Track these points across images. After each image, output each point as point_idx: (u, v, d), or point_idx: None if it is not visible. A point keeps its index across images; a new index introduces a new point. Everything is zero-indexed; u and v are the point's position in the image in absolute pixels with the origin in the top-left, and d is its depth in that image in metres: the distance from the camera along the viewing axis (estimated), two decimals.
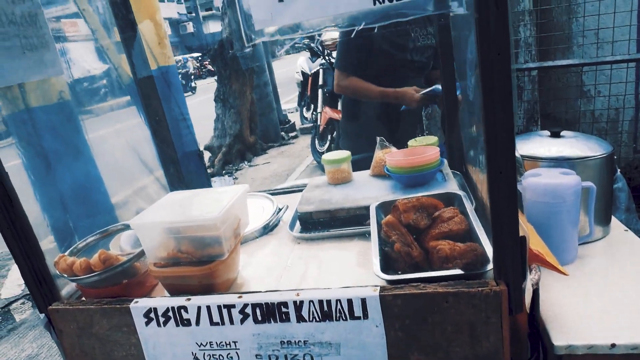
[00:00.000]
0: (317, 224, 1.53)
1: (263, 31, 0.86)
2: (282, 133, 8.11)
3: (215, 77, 6.96)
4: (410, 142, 1.74)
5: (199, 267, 1.15)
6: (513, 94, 0.86)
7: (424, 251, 1.20)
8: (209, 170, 6.01)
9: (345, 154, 1.72)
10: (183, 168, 2.12)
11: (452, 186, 1.52)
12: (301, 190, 1.97)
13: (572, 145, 1.79)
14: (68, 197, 2.33)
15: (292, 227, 1.57)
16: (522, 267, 0.97)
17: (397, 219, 1.27)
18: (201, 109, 7.90)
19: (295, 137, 8.13)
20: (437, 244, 1.15)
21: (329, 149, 5.44)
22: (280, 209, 1.69)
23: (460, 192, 1.39)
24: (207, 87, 19.79)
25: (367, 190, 1.61)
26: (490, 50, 0.83)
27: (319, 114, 5.50)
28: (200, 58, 29.27)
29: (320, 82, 5.79)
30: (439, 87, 1.97)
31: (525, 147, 1.66)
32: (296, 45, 14.22)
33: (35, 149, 2.59)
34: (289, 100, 11.91)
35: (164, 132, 1.95)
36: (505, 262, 0.96)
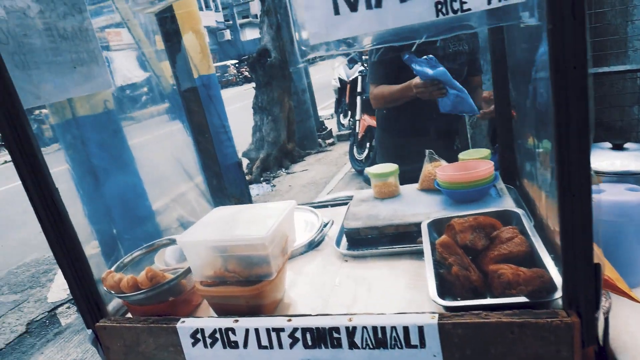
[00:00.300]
0: (364, 241, 1.48)
1: (318, 46, 0.82)
2: (320, 140, 8.10)
3: (253, 84, 7.02)
4: (461, 156, 1.66)
5: (247, 287, 1.11)
6: (590, 111, 0.79)
7: (482, 274, 1.13)
8: (247, 177, 6.05)
9: (392, 167, 1.66)
10: (224, 179, 2.11)
11: (508, 203, 1.44)
12: (345, 204, 1.93)
13: (637, 158, 1.67)
14: (113, 207, 2.36)
15: (338, 243, 1.52)
16: (596, 297, 0.89)
17: (453, 239, 1.20)
18: (237, 115, 7.97)
19: (333, 144, 8.09)
20: (498, 267, 1.08)
21: (367, 157, 5.38)
22: (325, 224, 1.65)
23: (519, 210, 1.31)
24: (244, 94, 20.06)
25: (416, 206, 1.55)
26: (565, 64, 0.76)
27: (357, 122, 5.45)
28: (237, 65, 29.75)
29: (359, 89, 5.74)
30: (441, 69, 1.90)
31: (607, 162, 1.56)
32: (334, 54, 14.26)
33: (81, 157, 2.65)
34: (325, 107, 11.91)
35: (207, 145, 1.94)
36: (577, 292, 0.88)
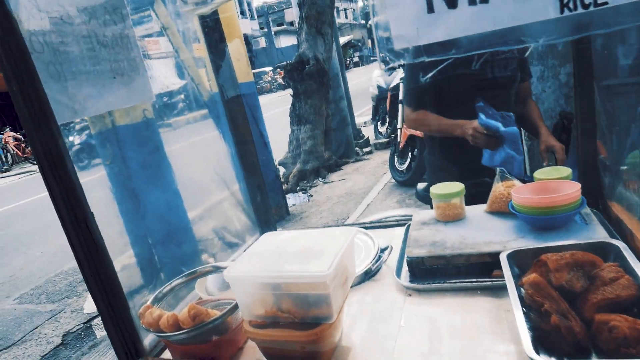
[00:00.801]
0: (429, 272, 1.31)
1: (404, 52, 0.66)
2: (357, 149, 7.93)
3: (289, 91, 6.93)
4: (537, 174, 1.46)
5: (303, 331, 0.96)
6: None
7: (584, 323, 0.94)
8: (283, 187, 5.94)
9: (457, 186, 1.49)
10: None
11: (599, 232, 1.23)
12: (399, 224, 1.76)
13: None
14: (152, 225, 2.26)
15: (399, 273, 1.35)
16: None
17: (545, 279, 1.02)
18: (272, 123, 7.90)
19: (370, 152, 7.91)
20: (609, 318, 0.89)
21: (409, 168, 5.17)
22: (383, 250, 1.48)
23: (618, 242, 1.11)
24: (278, 100, 20.11)
25: (488, 232, 1.36)
26: None
27: (399, 130, 5.26)
28: (273, 71, 29.96)
29: (401, 97, 5.55)
30: (514, 129, 1.66)
31: None
32: (371, 58, 14.00)
33: (121, 170, 2.56)
34: (360, 114, 11.74)
35: (250, 156, 1.81)
36: None
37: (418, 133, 5.00)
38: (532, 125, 1.99)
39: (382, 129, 8.53)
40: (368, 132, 9.08)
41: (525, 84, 2.05)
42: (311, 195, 5.98)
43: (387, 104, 6.13)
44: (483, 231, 1.38)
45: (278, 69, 28.58)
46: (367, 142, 8.37)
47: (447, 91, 1.92)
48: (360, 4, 52.30)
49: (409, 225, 1.65)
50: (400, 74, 7.86)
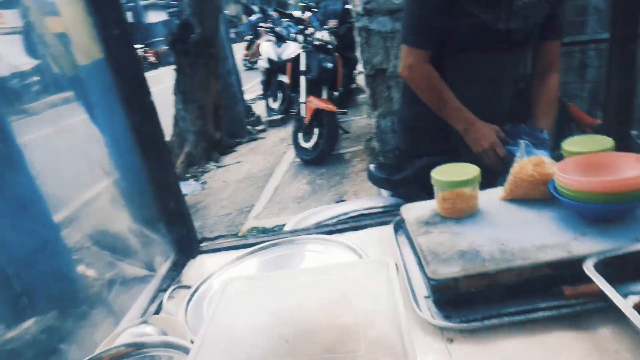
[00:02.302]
0: (466, 300, 0.89)
1: None
2: (249, 127, 7.32)
3: (172, 67, 6.10)
4: (568, 147, 1.11)
5: None
6: None
7: None
8: None
9: (472, 171, 1.08)
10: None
11: None
12: (377, 222, 1.32)
13: None
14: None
15: (417, 303, 0.91)
16: None
17: None
18: None
19: (264, 130, 7.35)
20: None
21: (315, 145, 4.76)
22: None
23: None
24: (150, 80, 18.44)
25: (527, 230, 0.98)
26: None
27: (302, 105, 4.79)
28: (142, 50, 27.57)
29: (303, 67, 5.06)
30: (525, 144, 1.16)
31: None
32: (258, 28, 13.29)
33: None
34: (246, 89, 11.06)
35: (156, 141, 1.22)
36: None
37: (325, 107, 4.60)
38: (532, 113, 1.62)
39: (275, 105, 8.01)
40: (258, 109, 8.50)
41: (552, 46, 1.61)
42: (205, 183, 5.31)
43: (288, 76, 5.62)
44: (519, 230, 0.99)
45: (147, 47, 26.37)
46: (259, 120, 7.79)
47: (452, 37, 1.51)
48: None
49: (399, 226, 1.22)
50: (292, 46, 7.39)
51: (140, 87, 1.15)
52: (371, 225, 1.31)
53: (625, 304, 0.71)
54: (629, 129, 1.18)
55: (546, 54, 1.61)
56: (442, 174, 1.09)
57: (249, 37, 14.23)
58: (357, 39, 3.64)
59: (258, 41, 15.20)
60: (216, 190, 4.95)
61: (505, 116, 1.63)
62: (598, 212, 0.93)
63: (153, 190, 1.21)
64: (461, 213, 1.08)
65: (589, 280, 0.82)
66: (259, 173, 5.21)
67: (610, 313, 0.79)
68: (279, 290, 0.66)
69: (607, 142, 1.08)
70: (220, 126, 6.37)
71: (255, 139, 6.92)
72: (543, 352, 0.76)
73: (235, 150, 6.45)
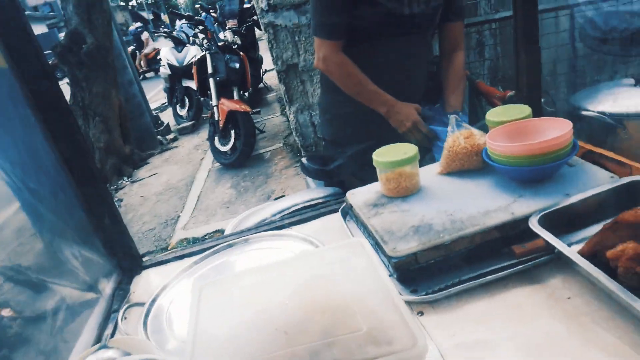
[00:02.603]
0: (425, 272, 0.92)
1: None
2: (159, 137, 7.01)
3: (66, 80, 5.67)
4: (491, 116, 1.19)
5: None
6: None
7: None
8: None
9: (410, 149, 1.12)
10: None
11: (600, 172, 1.02)
12: (321, 213, 1.33)
13: None
14: None
15: None
16: None
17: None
18: None
19: (175, 139, 7.07)
20: None
21: (233, 148, 4.66)
22: None
23: None
24: None
25: (470, 200, 1.03)
26: None
27: (215, 108, 4.66)
28: None
29: (210, 70, 4.91)
30: (455, 119, 1.22)
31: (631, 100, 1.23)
32: (155, 34, 12.70)
33: None
34: (150, 98, 10.59)
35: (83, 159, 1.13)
36: None
37: (239, 108, 4.52)
38: (443, 91, 1.70)
39: (183, 112, 7.75)
40: (166, 117, 8.17)
41: (455, 27, 1.68)
42: (121, 200, 5.02)
43: (195, 80, 5.43)
44: (463, 200, 1.04)
45: None
46: (168, 129, 7.49)
47: (359, 24, 1.55)
48: None
49: (346, 212, 1.23)
50: (192, 49, 7.17)
51: (55, 97, 1.05)
52: (317, 217, 1.31)
53: (572, 251, 0.78)
54: (539, 97, 1.28)
55: (450, 35, 1.68)
56: (383, 155, 1.12)
57: (131, 48, 13.54)
58: (264, 36, 3.61)
59: (144, 50, 14.60)
60: (135, 207, 4.70)
61: (419, 98, 1.71)
62: (529, 173, 1.01)
63: (84, 208, 1.12)
64: (406, 191, 1.11)
65: (533, 237, 0.89)
66: (179, 183, 5.02)
67: (558, 264, 0.87)
68: (259, 285, 0.65)
69: (526, 109, 1.17)
70: (129, 139, 6.04)
71: (168, 149, 6.66)
72: (505, 309, 0.81)
73: (148, 163, 6.16)
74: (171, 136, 7.22)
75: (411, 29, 1.61)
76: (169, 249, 3.46)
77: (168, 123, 7.66)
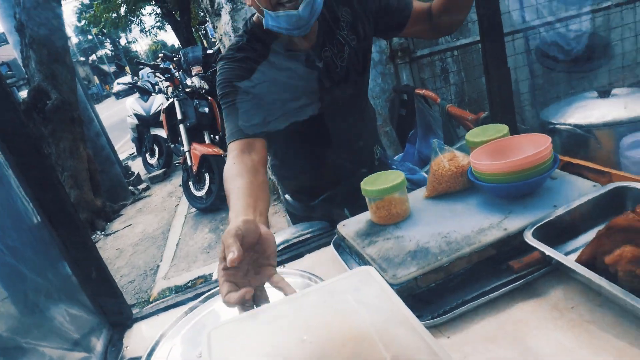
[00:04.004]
0: (425, 297, 0.92)
1: None
2: (130, 188, 6.89)
3: None
4: (471, 137, 1.22)
5: None
6: None
7: None
8: None
9: (397, 176, 1.13)
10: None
11: (581, 182, 1.05)
12: (312, 247, 1.32)
13: (626, 103, 1.48)
14: None
15: None
16: None
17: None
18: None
19: (147, 188, 6.97)
20: None
21: (209, 192, 4.61)
22: None
23: (630, 184, 0.93)
24: None
25: (462, 221, 1.04)
26: None
27: (187, 153, 4.63)
28: None
29: (179, 116, 4.90)
30: (437, 142, 1.19)
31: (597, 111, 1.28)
32: (118, 84, 12.60)
33: None
34: (118, 149, 10.46)
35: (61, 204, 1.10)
36: None
37: (211, 152, 4.51)
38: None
39: (153, 161, 7.67)
40: (136, 167, 8.07)
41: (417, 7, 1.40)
42: None
43: (164, 127, 5.40)
44: (454, 221, 1.06)
45: None
46: (139, 179, 7.39)
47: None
48: (75, 39, 47.54)
49: (338, 244, 1.22)
50: (158, 97, 7.16)
51: (33, 151, 1.03)
52: (309, 251, 1.30)
53: (571, 261, 0.79)
54: (514, 115, 1.33)
55: (418, 12, 1.39)
56: (371, 184, 1.13)
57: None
58: None
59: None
60: (111, 260, 4.56)
61: (372, 142, 1.64)
62: (515, 189, 1.03)
63: (69, 263, 1.08)
64: (397, 218, 1.12)
65: (528, 251, 0.91)
66: (155, 232, 4.92)
67: (556, 275, 0.88)
68: (272, 324, 0.63)
69: (503, 128, 1.21)
70: (100, 192, 5.91)
71: (141, 198, 6.54)
72: (512, 325, 0.81)
73: (121, 214, 6.02)
74: (143, 185, 7.12)
75: (339, 107, 1.45)
76: (150, 300, 3.35)
77: (139, 172, 7.56)
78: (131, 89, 7.80)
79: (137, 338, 1.14)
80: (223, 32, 3.23)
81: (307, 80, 1.37)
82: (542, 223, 0.90)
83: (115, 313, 1.15)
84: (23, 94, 5.52)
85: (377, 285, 0.69)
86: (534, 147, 1.04)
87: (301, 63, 1.34)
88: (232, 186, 1.11)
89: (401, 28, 1.42)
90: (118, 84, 12.83)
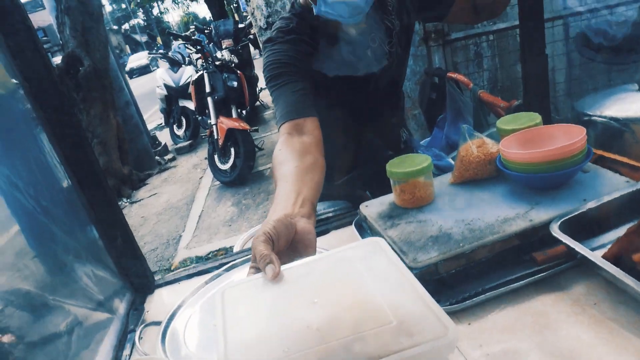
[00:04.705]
0: (450, 283, 0.92)
1: None
2: (157, 158, 7.01)
3: None
4: (502, 125, 1.19)
5: None
6: None
7: None
8: None
9: (424, 159, 1.12)
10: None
11: (615, 177, 1.02)
12: (332, 227, 1.32)
13: None
14: None
15: None
16: None
17: None
18: None
19: (173, 159, 7.08)
20: None
21: (233, 166, 4.66)
22: None
23: None
24: None
25: (486, 208, 1.03)
26: None
27: (214, 127, 4.68)
28: None
29: (208, 89, 4.94)
30: (466, 128, 1.16)
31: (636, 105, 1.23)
32: (150, 55, 12.77)
33: None
34: (147, 119, 10.62)
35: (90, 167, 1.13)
36: None
37: (238, 126, 4.54)
38: None
39: (180, 132, 7.78)
40: (163, 137, 8.19)
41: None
42: None
43: (193, 99, 5.46)
44: (479, 208, 1.04)
45: None
46: (166, 149, 7.51)
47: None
48: (109, 7, 47.96)
49: (360, 224, 1.22)
50: (188, 69, 7.21)
51: (66, 113, 1.05)
52: (329, 230, 1.31)
53: (597, 257, 0.78)
54: (548, 105, 1.29)
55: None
56: (397, 166, 1.12)
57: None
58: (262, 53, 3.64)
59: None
60: (135, 227, 4.67)
61: (398, 127, 1.65)
62: (545, 180, 1.01)
63: (97, 226, 1.11)
64: (421, 202, 1.11)
65: (553, 244, 0.89)
66: (179, 202, 5.01)
67: (580, 270, 0.86)
68: (284, 286, 0.64)
69: (536, 117, 1.18)
70: (127, 160, 6.04)
71: (167, 169, 6.65)
72: (531, 317, 0.81)
73: (147, 184, 6.14)
74: (169, 156, 7.23)
75: (380, 101, 1.49)
76: (172, 268, 3.43)
77: (165, 143, 7.67)
78: (145, 69, 7.85)
79: (157, 304, 1.17)
80: (255, 5, 3.22)
81: (355, 66, 1.37)
82: (569, 216, 0.88)
83: (138, 276, 1.19)
84: (57, 59, 5.62)
85: (385, 256, 0.70)
86: (567, 138, 1.01)
87: (350, 48, 1.34)
88: (277, 174, 1.08)
89: (445, 13, 1.40)
90: (150, 54, 12.92)
